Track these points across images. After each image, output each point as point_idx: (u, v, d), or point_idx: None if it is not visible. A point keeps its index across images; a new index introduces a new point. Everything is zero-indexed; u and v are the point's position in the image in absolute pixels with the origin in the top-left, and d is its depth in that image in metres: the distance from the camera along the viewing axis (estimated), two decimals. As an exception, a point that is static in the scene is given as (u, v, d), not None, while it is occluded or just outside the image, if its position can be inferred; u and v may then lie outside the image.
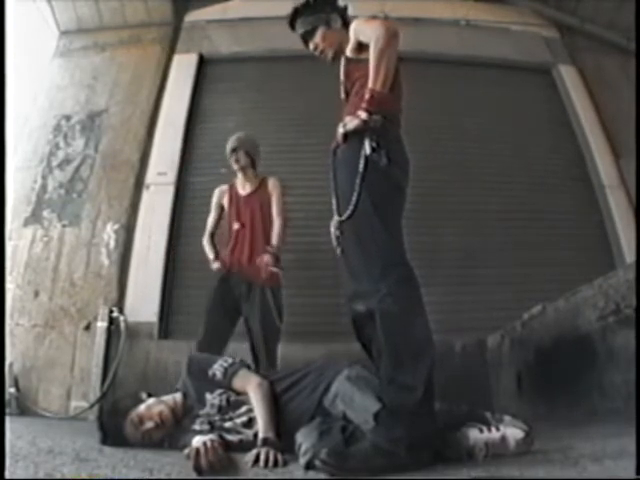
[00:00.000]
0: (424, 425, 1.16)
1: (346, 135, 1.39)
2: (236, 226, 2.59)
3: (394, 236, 1.34)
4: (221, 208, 2.73)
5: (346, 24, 1.67)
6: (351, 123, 1.38)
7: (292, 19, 1.73)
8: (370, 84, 1.37)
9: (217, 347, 2.32)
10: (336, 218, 1.41)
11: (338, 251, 1.43)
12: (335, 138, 1.45)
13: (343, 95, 1.59)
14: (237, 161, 2.66)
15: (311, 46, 1.72)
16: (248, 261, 2.50)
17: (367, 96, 1.36)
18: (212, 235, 2.72)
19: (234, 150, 2.66)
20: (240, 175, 2.71)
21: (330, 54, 1.69)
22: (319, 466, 1.08)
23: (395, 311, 1.22)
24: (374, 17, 1.56)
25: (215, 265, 2.55)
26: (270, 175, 2.73)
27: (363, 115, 1.35)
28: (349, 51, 1.55)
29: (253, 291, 2.45)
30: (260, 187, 2.68)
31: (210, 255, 2.62)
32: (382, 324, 1.22)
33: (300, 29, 1.72)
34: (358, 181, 1.31)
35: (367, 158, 1.32)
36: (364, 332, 1.32)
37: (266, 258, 2.43)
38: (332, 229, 1.43)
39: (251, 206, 2.61)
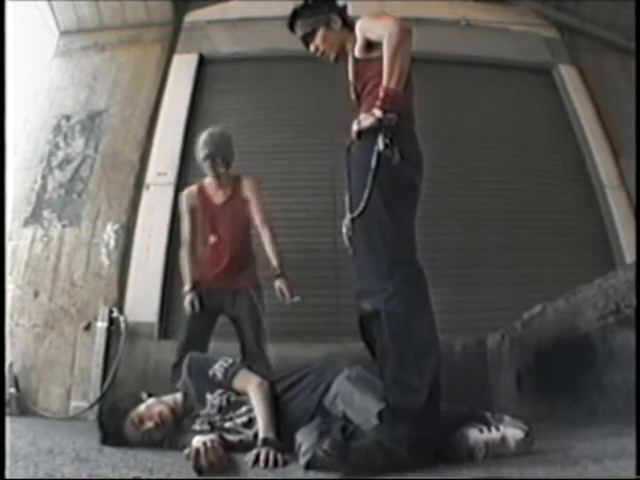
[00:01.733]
0: (427, 426, 1.16)
1: (360, 133, 1.39)
2: (212, 239, 2.41)
3: (404, 234, 1.33)
4: (193, 213, 2.48)
5: (346, 23, 1.66)
6: (366, 121, 1.37)
7: (291, 21, 1.72)
8: (384, 82, 1.36)
9: (202, 349, 2.27)
10: (348, 215, 1.41)
11: (350, 250, 1.43)
12: (350, 136, 1.44)
13: (353, 96, 1.58)
14: (213, 168, 2.42)
15: (312, 48, 1.69)
16: (229, 274, 2.36)
17: (382, 94, 1.36)
18: (192, 246, 2.45)
19: (210, 157, 2.41)
20: (213, 180, 2.47)
21: (332, 55, 1.67)
22: (321, 458, 1.07)
23: (401, 312, 1.22)
24: (380, 15, 1.55)
25: (188, 298, 2.32)
26: (244, 175, 2.51)
27: (378, 113, 1.34)
28: (357, 51, 1.54)
29: (238, 298, 2.37)
30: (235, 192, 2.45)
31: (187, 279, 2.37)
32: (388, 325, 1.22)
33: (300, 31, 1.70)
34: (370, 178, 1.31)
35: (380, 154, 1.32)
36: (370, 331, 1.32)
37: (278, 284, 2.31)
38: (344, 228, 1.43)
39: (228, 216, 2.41)
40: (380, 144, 1.33)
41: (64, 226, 3.36)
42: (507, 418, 1.32)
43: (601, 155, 3.77)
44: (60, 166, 3.60)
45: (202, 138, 2.49)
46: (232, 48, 4.16)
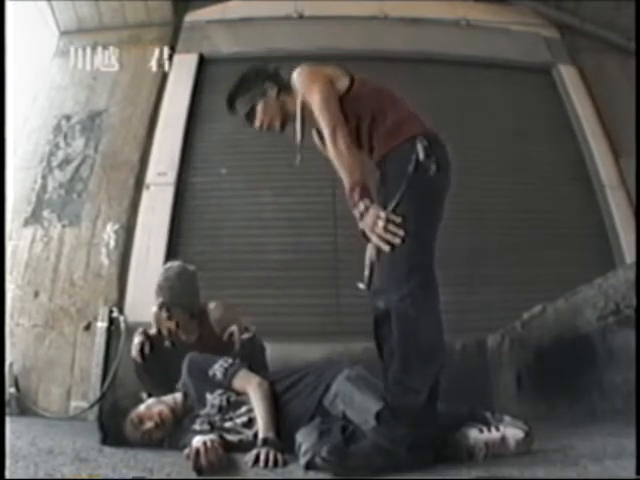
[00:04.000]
0: (426, 426, 1.16)
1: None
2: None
3: (427, 241, 1.32)
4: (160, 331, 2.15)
5: (282, 87, 1.58)
6: (363, 222, 1.31)
7: (230, 104, 1.63)
8: (345, 180, 1.36)
9: None
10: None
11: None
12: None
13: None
14: (169, 319, 2.03)
15: (257, 124, 1.60)
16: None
17: (349, 192, 1.34)
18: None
19: (165, 307, 2.01)
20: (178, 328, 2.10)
21: (277, 124, 1.58)
22: (320, 464, 1.08)
23: (412, 313, 1.22)
24: (301, 71, 1.49)
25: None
26: (210, 309, 2.15)
27: (362, 207, 1.31)
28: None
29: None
30: (204, 329, 2.11)
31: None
32: (397, 324, 1.22)
33: (241, 112, 1.62)
34: (404, 183, 1.29)
35: (418, 164, 1.30)
36: (381, 331, 1.32)
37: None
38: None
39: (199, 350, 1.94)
40: (420, 153, 1.31)
41: (64, 226, 3.36)
42: (507, 418, 1.32)
43: (601, 155, 3.77)
44: (60, 166, 3.60)
45: (159, 279, 2.09)
46: (232, 48, 4.16)
